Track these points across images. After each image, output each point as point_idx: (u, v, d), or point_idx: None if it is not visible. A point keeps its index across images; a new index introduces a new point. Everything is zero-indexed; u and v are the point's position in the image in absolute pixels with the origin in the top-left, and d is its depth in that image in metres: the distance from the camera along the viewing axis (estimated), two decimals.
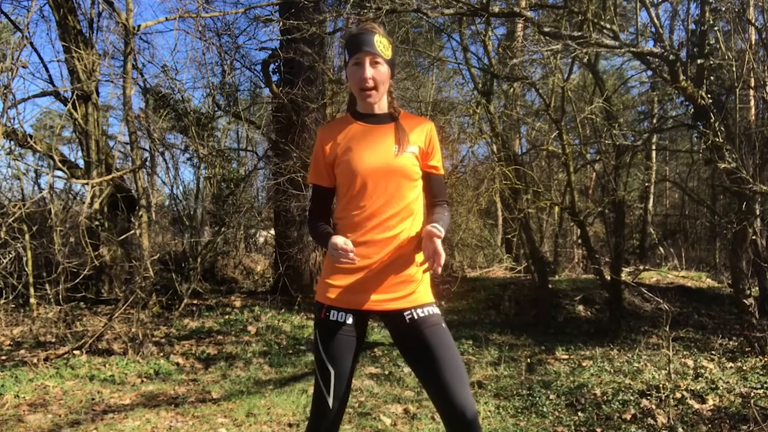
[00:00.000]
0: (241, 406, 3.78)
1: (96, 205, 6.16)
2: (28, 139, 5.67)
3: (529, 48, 6.22)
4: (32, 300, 5.94)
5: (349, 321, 1.86)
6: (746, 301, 4.92)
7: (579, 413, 3.57)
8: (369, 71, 1.85)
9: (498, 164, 6.53)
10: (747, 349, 4.83)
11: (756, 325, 4.83)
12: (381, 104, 1.95)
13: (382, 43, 1.87)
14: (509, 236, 9.66)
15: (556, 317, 6.62)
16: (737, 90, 5.20)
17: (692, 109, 5.14)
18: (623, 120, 9.02)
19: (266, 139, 9.28)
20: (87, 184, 5.92)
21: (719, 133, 4.67)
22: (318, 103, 7.26)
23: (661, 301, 4.56)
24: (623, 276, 6.44)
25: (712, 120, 4.70)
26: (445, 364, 1.76)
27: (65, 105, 6.85)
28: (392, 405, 3.79)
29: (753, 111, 6.19)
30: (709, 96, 4.85)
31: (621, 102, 10.43)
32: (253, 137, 11.22)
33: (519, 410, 3.69)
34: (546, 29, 5.01)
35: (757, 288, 5.79)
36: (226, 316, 6.64)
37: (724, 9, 5.13)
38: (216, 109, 7.82)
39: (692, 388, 3.86)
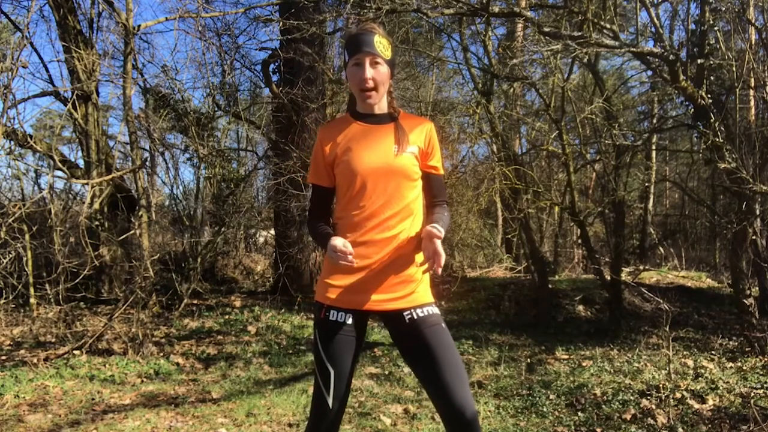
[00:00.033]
0: (241, 406, 3.78)
1: (96, 205, 6.16)
2: (28, 139, 5.67)
3: (529, 48, 6.22)
4: (32, 300, 5.94)
5: (349, 321, 1.86)
6: (746, 301, 4.92)
7: (579, 413, 3.57)
8: (369, 72, 1.85)
9: (498, 164, 6.53)
10: (747, 349, 4.83)
11: (756, 325, 4.83)
12: (381, 104, 1.95)
13: (381, 44, 1.87)
14: (509, 236, 9.66)
15: (556, 317, 6.62)
16: (737, 90, 5.20)
17: (692, 109, 5.14)
18: (623, 120, 9.02)
19: (266, 139, 9.29)
20: (87, 184, 5.92)
21: (719, 133, 4.67)
22: (318, 103, 7.26)
23: (661, 301, 4.56)
24: (623, 276, 6.44)
25: (712, 120, 4.70)
26: (444, 364, 1.76)
27: (65, 105, 6.85)
28: (392, 405, 3.79)
29: (753, 111, 6.19)
30: (709, 96, 4.85)
31: (621, 102, 10.43)
32: (253, 137, 11.23)
33: (519, 410, 3.69)
34: (546, 29, 5.01)
35: (757, 288, 5.79)
36: (226, 316, 6.64)
37: (724, 9, 5.13)
38: (216, 109, 7.82)
39: (692, 388, 3.86)
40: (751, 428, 3.17)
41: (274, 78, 8.15)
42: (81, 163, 7.76)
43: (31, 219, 5.74)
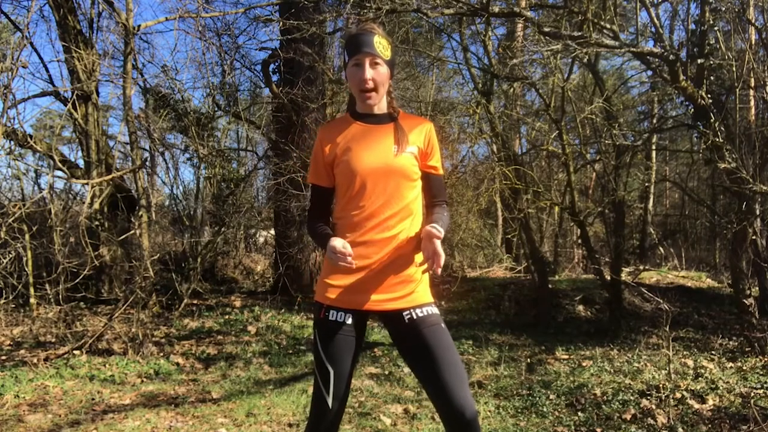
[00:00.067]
0: (241, 406, 3.78)
1: (96, 205, 6.16)
2: (28, 139, 5.67)
3: (529, 48, 6.22)
4: (32, 300, 5.94)
5: (349, 321, 1.86)
6: (746, 301, 4.92)
7: (579, 413, 3.57)
8: (369, 72, 1.85)
9: (498, 164, 6.53)
10: (747, 349, 4.83)
11: (756, 325, 4.83)
12: (380, 104, 1.95)
13: (381, 44, 1.87)
14: (509, 236, 9.66)
15: (556, 317, 6.62)
16: (737, 90, 5.20)
17: (692, 109, 5.14)
18: (623, 120, 9.02)
19: (266, 139, 9.29)
20: (87, 184, 5.92)
21: (719, 133, 4.67)
22: (318, 103, 7.26)
23: (661, 301, 4.56)
24: (623, 276, 6.44)
25: (712, 120, 4.70)
26: (444, 364, 1.76)
27: (65, 105, 6.85)
28: (392, 405, 3.79)
29: (753, 111, 6.19)
30: (709, 96, 4.85)
31: (621, 102, 10.43)
32: (253, 137, 11.23)
33: (519, 410, 3.69)
34: (546, 29, 5.01)
35: (757, 288, 5.79)
36: (226, 316, 6.64)
37: (724, 9, 5.13)
38: (216, 109, 7.82)
39: (692, 388, 3.86)
40: (751, 428, 3.17)
41: (274, 78, 8.15)
42: (81, 163, 7.76)
43: (31, 219, 5.74)
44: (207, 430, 3.38)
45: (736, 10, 5.20)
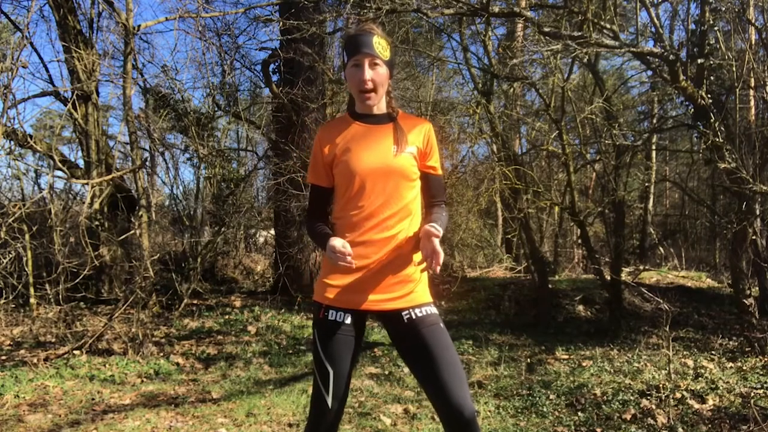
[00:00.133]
0: (241, 406, 3.78)
1: (96, 205, 6.16)
2: (28, 139, 5.67)
3: (529, 48, 6.22)
4: (32, 300, 5.94)
5: (348, 321, 1.86)
6: (746, 301, 4.92)
7: (579, 413, 3.57)
8: (368, 73, 1.85)
9: (498, 164, 6.53)
10: (747, 349, 4.83)
11: (756, 325, 4.82)
12: (380, 105, 1.95)
13: (381, 45, 1.87)
14: (509, 236, 9.66)
15: (556, 317, 6.62)
16: (737, 90, 5.20)
17: (692, 109, 5.14)
18: (623, 120, 9.02)
19: (266, 139, 9.29)
20: (87, 184, 5.92)
21: (719, 133, 4.67)
22: (318, 103, 7.26)
23: (661, 301, 4.56)
24: (623, 276, 6.44)
25: (712, 120, 4.70)
26: (443, 364, 1.76)
27: (65, 105, 6.86)
28: (392, 405, 3.79)
29: (753, 111, 6.19)
30: (709, 96, 4.85)
31: (621, 102, 10.43)
32: (253, 137, 11.23)
33: (519, 410, 3.69)
34: (546, 29, 5.01)
35: (757, 288, 5.79)
36: (226, 316, 6.64)
37: (724, 9, 5.13)
38: (216, 109, 7.82)
39: (692, 388, 3.86)
40: (751, 428, 3.17)
41: (274, 78, 8.15)
42: (81, 163, 7.77)
43: (31, 219, 5.74)
44: (207, 430, 3.39)
45: (736, 10, 5.20)
